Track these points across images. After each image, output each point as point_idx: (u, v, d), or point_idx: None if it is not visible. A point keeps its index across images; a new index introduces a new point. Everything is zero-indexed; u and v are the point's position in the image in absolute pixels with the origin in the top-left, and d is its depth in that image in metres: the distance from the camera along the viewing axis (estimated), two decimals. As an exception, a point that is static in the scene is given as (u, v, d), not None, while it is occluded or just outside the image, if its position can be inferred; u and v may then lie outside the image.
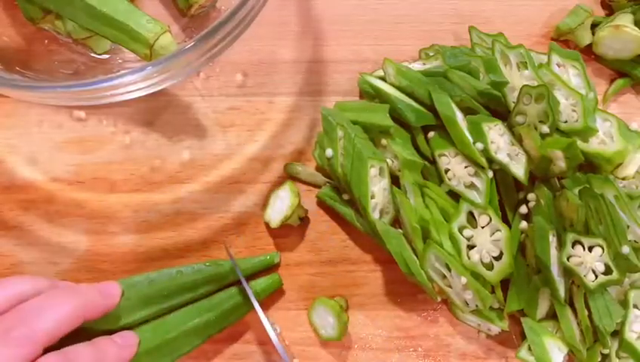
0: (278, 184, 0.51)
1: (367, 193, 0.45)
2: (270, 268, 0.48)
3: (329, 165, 0.49)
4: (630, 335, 0.43)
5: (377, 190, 0.46)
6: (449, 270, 0.44)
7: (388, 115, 0.48)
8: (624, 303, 0.44)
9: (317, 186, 0.51)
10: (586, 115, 0.46)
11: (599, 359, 0.44)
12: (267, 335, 0.43)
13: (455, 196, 0.47)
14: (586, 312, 0.43)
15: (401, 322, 0.47)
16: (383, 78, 0.52)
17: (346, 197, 0.49)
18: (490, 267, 0.44)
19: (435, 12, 0.58)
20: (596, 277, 0.42)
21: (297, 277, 0.48)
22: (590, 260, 0.42)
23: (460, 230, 0.45)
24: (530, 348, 0.45)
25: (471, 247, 0.45)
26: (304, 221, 0.50)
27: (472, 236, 0.45)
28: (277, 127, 0.53)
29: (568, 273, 0.43)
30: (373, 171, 0.46)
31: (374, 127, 0.49)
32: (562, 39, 0.57)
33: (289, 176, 0.51)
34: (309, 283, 0.48)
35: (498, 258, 0.44)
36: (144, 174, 0.51)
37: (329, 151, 0.48)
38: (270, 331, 0.43)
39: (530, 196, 0.46)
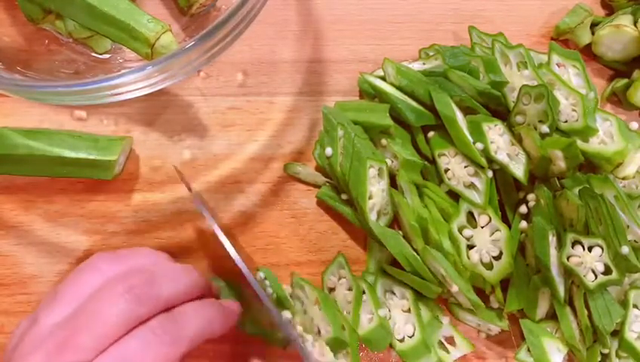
0: (278, 184, 0.51)
1: (364, 193, 0.45)
2: None
3: (328, 164, 0.49)
4: (630, 335, 0.43)
5: (376, 191, 0.46)
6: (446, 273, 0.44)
7: (388, 114, 0.48)
8: (624, 303, 0.44)
9: (317, 186, 0.51)
10: (586, 114, 0.46)
11: (599, 359, 0.44)
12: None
13: (455, 196, 0.47)
14: (586, 312, 0.43)
15: (401, 322, 0.48)
16: (382, 78, 0.52)
17: (344, 196, 0.49)
18: (489, 267, 0.44)
19: (435, 12, 0.58)
20: (596, 277, 0.42)
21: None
22: (590, 260, 0.42)
23: (460, 230, 0.45)
24: (529, 350, 0.45)
25: (470, 247, 0.45)
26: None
27: (472, 236, 0.45)
28: (277, 127, 0.53)
29: (568, 273, 0.43)
30: (372, 172, 0.46)
31: (374, 127, 0.49)
32: (562, 39, 0.57)
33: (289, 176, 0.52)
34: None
35: (498, 258, 0.44)
36: (144, 174, 0.51)
37: (328, 150, 0.48)
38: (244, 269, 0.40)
39: (530, 196, 0.47)
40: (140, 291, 0.35)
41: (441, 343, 0.45)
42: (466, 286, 0.43)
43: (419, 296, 0.45)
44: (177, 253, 0.49)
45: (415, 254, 0.45)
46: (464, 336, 0.45)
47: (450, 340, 0.45)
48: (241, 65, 0.55)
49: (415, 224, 0.44)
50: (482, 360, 0.47)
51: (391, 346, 0.44)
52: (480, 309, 0.44)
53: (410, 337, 0.44)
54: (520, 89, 0.47)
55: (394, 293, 0.46)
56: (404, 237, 0.46)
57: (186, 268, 0.40)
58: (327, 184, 0.50)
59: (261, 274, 0.45)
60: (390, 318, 0.45)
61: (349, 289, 0.46)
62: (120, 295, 0.35)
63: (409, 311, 0.45)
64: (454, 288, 0.43)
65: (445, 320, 0.45)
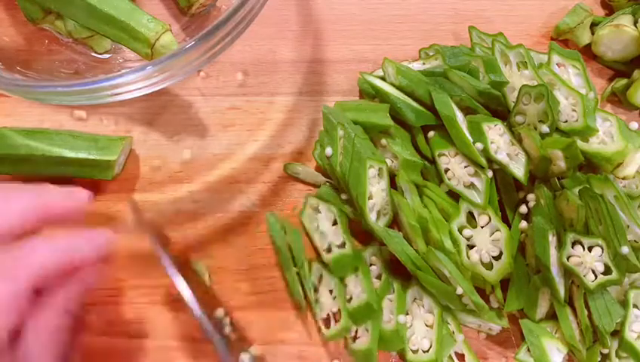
0: (278, 184, 0.51)
1: (364, 193, 0.45)
2: None
3: (328, 164, 0.49)
4: (630, 334, 0.43)
5: (376, 191, 0.46)
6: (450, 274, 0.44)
7: (388, 114, 0.48)
8: (624, 303, 0.44)
9: (317, 186, 0.51)
10: (586, 114, 0.46)
11: (599, 359, 0.44)
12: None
13: (455, 196, 0.47)
14: (586, 312, 0.43)
15: (401, 322, 0.47)
16: (382, 78, 0.52)
17: (344, 196, 0.49)
18: (489, 267, 0.44)
19: (435, 12, 0.58)
20: (596, 277, 0.42)
21: (297, 276, 0.49)
22: (590, 260, 0.42)
23: (460, 230, 0.45)
24: (529, 350, 0.45)
25: (470, 247, 0.45)
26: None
27: (472, 236, 0.45)
28: (277, 127, 0.53)
29: (568, 273, 0.43)
30: (372, 172, 0.46)
31: (374, 127, 0.49)
32: (562, 39, 0.57)
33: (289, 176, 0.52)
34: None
35: (497, 258, 0.44)
36: (144, 174, 0.51)
37: (328, 150, 0.48)
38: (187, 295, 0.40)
39: (530, 196, 0.47)
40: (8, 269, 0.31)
41: (450, 357, 0.45)
42: (470, 289, 0.43)
43: (446, 308, 0.45)
44: (177, 253, 0.49)
45: (417, 254, 0.44)
46: (475, 356, 0.45)
47: (461, 357, 0.45)
48: (241, 66, 0.55)
49: (416, 224, 0.44)
50: (483, 360, 0.47)
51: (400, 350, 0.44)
52: (484, 311, 0.44)
53: (425, 352, 0.44)
54: (520, 89, 0.47)
55: (422, 304, 0.46)
56: (404, 237, 0.46)
57: (40, 190, 0.36)
58: (327, 184, 0.50)
59: (220, 312, 0.44)
60: (411, 326, 0.45)
61: (378, 277, 0.46)
62: None
63: (432, 326, 0.45)
64: (459, 290, 0.43)
65: (460, 337, 0.45)
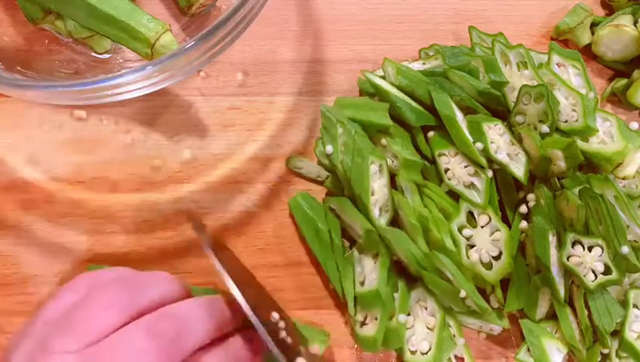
0: (278, 184, 0.51)
1: (367, 189, 0.44)
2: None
3: (329, 161, 0.48)
4: (630, 334, 0.43)
5: (377, 187, 0.46)
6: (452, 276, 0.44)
7: (387, 114, 0.48)
8: (624, 303, 0.44)
9: (318, 183, 0.51)
10: (586, 114, 0.46)
11: (599, 359, 0.44)
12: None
13: (455, 196, 0.47)
14: (586, 312, 0.43)
15: (401, 322, 0.47)
16: (382, 78, 0.52)
17: (345, 193, 0.49)
18: (489, 267, 0.44)
19: (435, 12, 0.58)
20: (596, 277, 0.42)
21: (297, 276, 0.49)
22: (590, 260, 0.42)
23: (460, 230, 0.45)
24: (529, 350, 0.45)
25: (470, 247, 0.45)
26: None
27: (472, 236, 0.45)
28: (277, 127, 0.53)
29: (568, 273, 0.43)
30: (373, 168, 0.46)
31: (373, 126, 0.48)
32: (562, 39, 0.57)
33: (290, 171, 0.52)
34: (309, 282, 0.48)
35: (497, 258, 0.44)
36: (144, 174, 0.51)
37: (329, 148, 0.48)
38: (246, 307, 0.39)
39: (530, 196, 0.47)
40: (168, 344, 0.32)
41: (449, 360, 0.45)
42: (473, 291, 0.43)
43: (448, 311, 0.45)
44: (177, 253, 0.49)
45: (422, 254, 0.44)
46: (475, 360, 0.45)
47: (460, 360, 0.45)
48: (241, 66, 0.55)
49: (417, 223, 0.44)
50: (483, 360, 0.47)
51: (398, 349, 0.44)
52: (487, 313, 0.44)
53: (423, 354, 0.43)
54: (520, 89, 0.47)
55: (425, 307, 0.46)
56: (405, 236, 0.46)
57: (211, 302, 0.37)
58: (331, 176, 0.50)
59: (275, 316, 0.42)
60: (411, 327, 0.44)
61: None
62: (147, 352, 0.32)
63: (433, 329, 0.44)
64: (462, 293, 0.43)
65: (460, 341, 0.45)
